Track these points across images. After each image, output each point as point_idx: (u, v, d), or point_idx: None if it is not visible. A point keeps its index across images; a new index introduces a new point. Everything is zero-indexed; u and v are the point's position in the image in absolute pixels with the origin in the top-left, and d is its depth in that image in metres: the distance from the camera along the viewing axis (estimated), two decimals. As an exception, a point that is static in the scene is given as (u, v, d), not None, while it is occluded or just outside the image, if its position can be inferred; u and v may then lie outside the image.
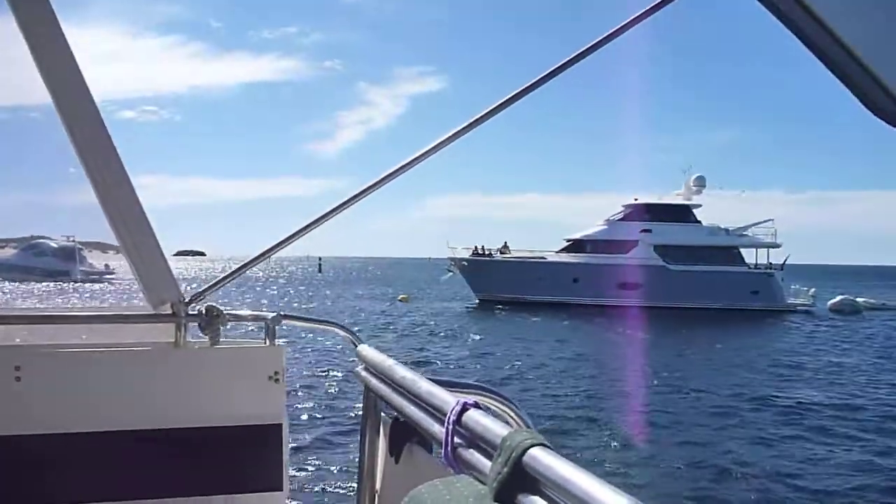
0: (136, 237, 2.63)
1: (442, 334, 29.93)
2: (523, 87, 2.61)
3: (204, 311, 2.69)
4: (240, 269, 2.95)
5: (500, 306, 42.59)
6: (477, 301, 46.62)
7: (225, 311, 2.70)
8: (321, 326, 3.05)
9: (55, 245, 49.29)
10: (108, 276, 50.82)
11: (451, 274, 48.73)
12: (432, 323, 34.59)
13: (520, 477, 1.15)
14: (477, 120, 2.63)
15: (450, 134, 2.65)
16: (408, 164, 2.66)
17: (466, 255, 47.39)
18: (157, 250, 2.67)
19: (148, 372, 2.62)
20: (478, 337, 29.29)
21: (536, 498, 1.13)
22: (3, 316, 2.75)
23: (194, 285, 3.22)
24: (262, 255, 2.93)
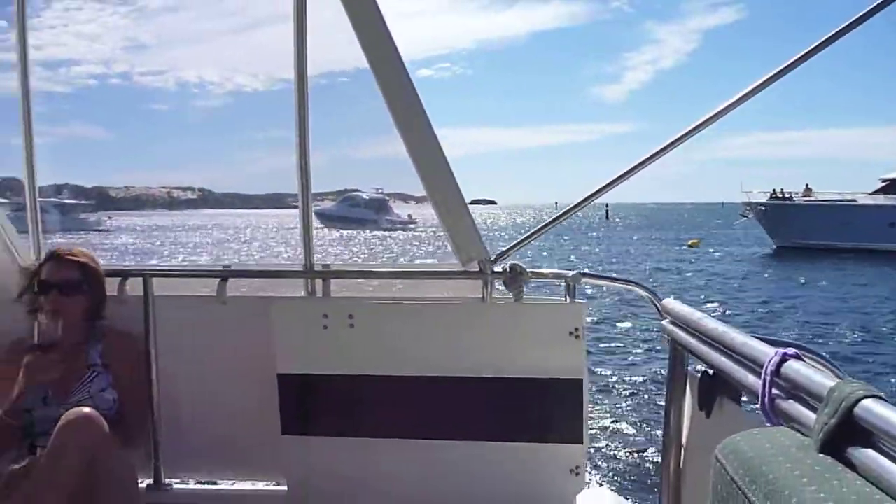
0: (447, 202, 2.82)
1: (735, 285, 28.27)
2: (848, 21, 2.34)
3: (508, 269, 2.82)
4: (542, 228, 3.03)
5: (801, 253, 39.09)
6: (774, 248, 43.30)
7: (528, 270, 2.81)
8: (621, 285, 3.06)
9: (366, 196, 54.31)
10: (410, 225, 54.95)
11: (744, 219, 45.70)
12: (725, 270, 32.76)
13: (850, 429, 1.08)
14: (795, 61, 2.41)
15: (762, 80, 2.46)
16: (716, 114, 2.53)
17: (763, 198, 44.02)
18: (466, 213, 2.84)
19: (459, 324, 2.83)
20: (776, 286, 27.22)
21: (868, 451, 1.05)
22: (339, 271, 3.14)
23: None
24: (562, 215, 3.00)
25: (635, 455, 8.80)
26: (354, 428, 2.84)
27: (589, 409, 2.87)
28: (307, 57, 2.84)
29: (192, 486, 3.07)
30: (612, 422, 10.21)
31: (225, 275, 3.02)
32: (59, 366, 2.63)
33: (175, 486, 3.03)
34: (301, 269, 2.99)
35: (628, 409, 10.99)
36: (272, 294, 3.06)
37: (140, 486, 2.88)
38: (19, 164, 3.16)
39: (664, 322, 2.20)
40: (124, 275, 3.05)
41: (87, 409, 2.52)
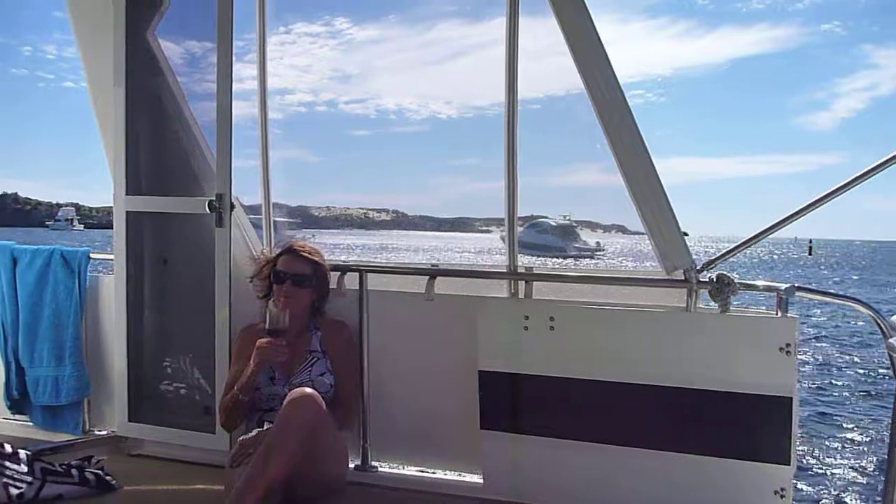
0: (653, 207, 2.82)
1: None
2: None
3: (715, 279, 2.77)
4: (748, 241, 2.95)
5: None
6: None
7: (736, 280, 2.74)
8: (840, 301, 2.90)
9: (553, 223, 54.21)
10: (598, 253, 54.12)
11: None
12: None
13: None
14: None
15: None
16: None
17: None
18: (672, 219, 2.82)
19: (662, 332, 2.81)
20: None
21: None
22: (542, 274, 3.23)
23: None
24: (767, 230, 2.89)
25: (848, 482, 8.10)
26: (551, 428, 2.89)
27: (798, 430, 2.73)
28: (517, 82, 2.98)
29: (395, 470, 3.26)
30: (823, 444, 9.45)
31: (433, 273, 3.20)
32: (285, 350, 2.90)
33: (380, 469, 3.23)
34: (505, 270, 3.11)
35: (838, 431, 10.16)
36: (476, 294, 3.19)
37: (349, 466, 3.11)
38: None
39: (892, 340, 2.08)
40: (343, 269, 3.31)
41: (309, 390, 2.76)
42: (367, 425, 3.22)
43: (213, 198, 3.27)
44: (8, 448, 3.04)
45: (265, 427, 2.91)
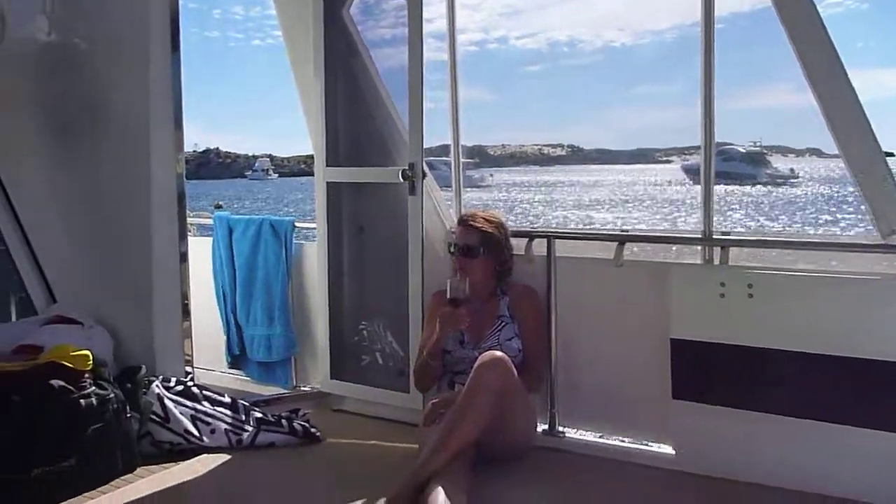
0: (865, 162, 2.58)
1: None
2: None
3: None
4: None
5: None
6: None
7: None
8: None
9: (742, 150, 50.28)
10: (792, 180, 49.58)
11: None
12: None
13: None
14: None
15: None
16: None
17: None
18: (889, 177, 2.56)
19: (876, 303, 2.57)
20: None
21: None
22: (740, 239, 3.06)
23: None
24: None
25: None
26: (747, 400, 2.75)
27: None
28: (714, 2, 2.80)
29: (582, 436, 3.25)
30: None
31: (622, 239, 3.12)
32: (465, 318, 2.97)
33: (567, 435, 3.23)
34: (700, 235, 2.98)
35: None
36: (667, 260, 3.09)
37: (537, 430, 3.14)
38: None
39: None
40: (530, 236, 3.32)
41: (499, 354, 2.80)
42: (554, 391, 3.23)
43: (406, 167, 3.39)
44: (228, 399, 3.37)
45: (456, 389, 3.00)
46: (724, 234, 3.02)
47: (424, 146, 3.37)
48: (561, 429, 3.25)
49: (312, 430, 3.34)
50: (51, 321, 3.40)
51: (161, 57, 3.39)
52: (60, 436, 2.78)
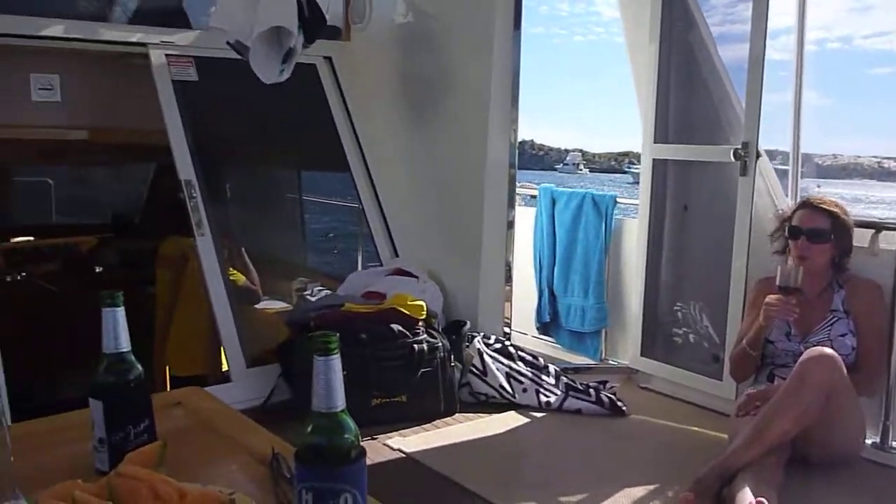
0: None
1: None
2: None
3: None
4: None
5: None
6: None
7: None
8: None
9: None
10: None
11: None
12: None
13: None
14: None
15: None
16: None
17: None
18: None
19: None
20: None
21: None
22: None
23: None
24: None
25: None
26: None
27: None
28: None
29: None
30: None
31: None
32: (794, 308, 2.75)
33: None
34: None
35: None
36: None
37: (866, 441, 2.85)
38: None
39: None
40: (877, 227, 3.00)
41: (828, 350, 2.60)
42: (891, 399, 2.90)
43: (739, 146, 3.24)
44: (542, 361, 3.54)
45: (775, 382, 2.84)
46: None
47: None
48: (893, 444, 2.91)
49: (619, 403, 3.38)
50: (392, 273, 3.83)
51: (504, 34, 3.60)
52: (396, 374, 3.15)
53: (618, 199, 4.18)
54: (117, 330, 1.19)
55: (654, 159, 3.71)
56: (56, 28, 3.42)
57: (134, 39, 3.62)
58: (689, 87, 3.70)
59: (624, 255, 4.14)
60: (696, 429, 3.22)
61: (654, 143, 3.70)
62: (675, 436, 3.19)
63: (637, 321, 3.81)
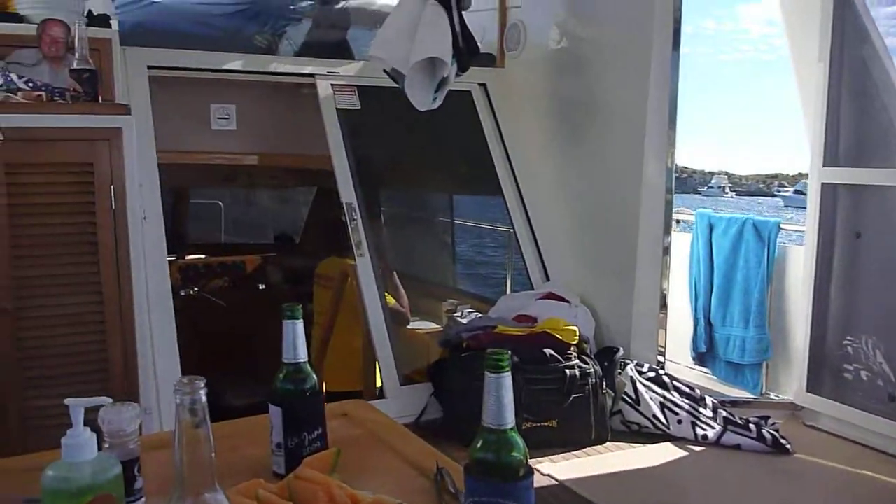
0: None
1: None
2: None
3: None
4: None
5: None
6: None
7: None
8: None
9: None
10: None
11: None
12: None
13: None
14: None
15: None
16: None
17: None
18: None
19: None
20: None
21: None
22: None
23: None
24: None
25: None
26: None
27: None
28: None
29: None
30: None
31: None
32: None
33: None
34: None
35: None
36: None
37: None
38: None
39: None
40: None
41: None
42: None
43: (921, 169, 3.00)
44: (698, 392, 3.41)
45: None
46: None
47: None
48: None
49: (782, 440, 3.19)
50: (544, 297, 3.81)
51: (661, 55, 3.54)
52: (548, 398, 3.13)
53: (782, 225, 3.98)
54: (296, 341, 1.26)
55: (822, 183, 3.51)
56: (235, 62, 3.68)
57: (304, 71, 3.85)
58: (862, 106, 3.47)
59: (788, 283, 3.93)
60: (870, 474, 2.99)
61: (823, 166, 3.50)
62: (845, 478, 2.98)
63: (803, 355, 3.59)
